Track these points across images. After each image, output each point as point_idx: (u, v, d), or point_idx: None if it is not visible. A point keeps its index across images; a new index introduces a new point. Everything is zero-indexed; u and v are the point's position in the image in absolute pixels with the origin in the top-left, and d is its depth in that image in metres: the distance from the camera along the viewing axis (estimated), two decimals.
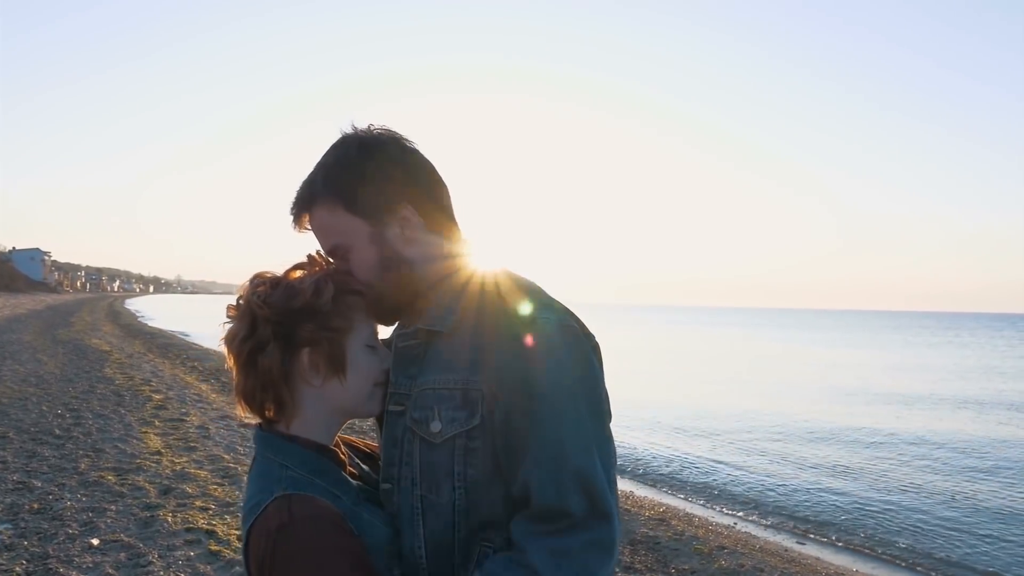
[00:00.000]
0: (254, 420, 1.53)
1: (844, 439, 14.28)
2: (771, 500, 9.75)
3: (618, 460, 1.50)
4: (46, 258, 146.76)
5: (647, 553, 6.38)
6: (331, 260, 1.54)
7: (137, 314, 57.72)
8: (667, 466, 11.36)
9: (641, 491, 9.58)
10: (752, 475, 11.10)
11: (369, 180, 1.47)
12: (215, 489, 6.87)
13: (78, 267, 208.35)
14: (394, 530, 1.46)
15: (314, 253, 1.55)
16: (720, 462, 11.87)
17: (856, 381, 25.67)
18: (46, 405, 11.24)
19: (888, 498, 10.05)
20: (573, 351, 1.42)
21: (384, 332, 1.61)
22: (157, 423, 10.07)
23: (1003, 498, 10.29)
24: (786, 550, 7.42)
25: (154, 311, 68.41)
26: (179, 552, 5.26)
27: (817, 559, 7.28)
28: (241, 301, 1.48)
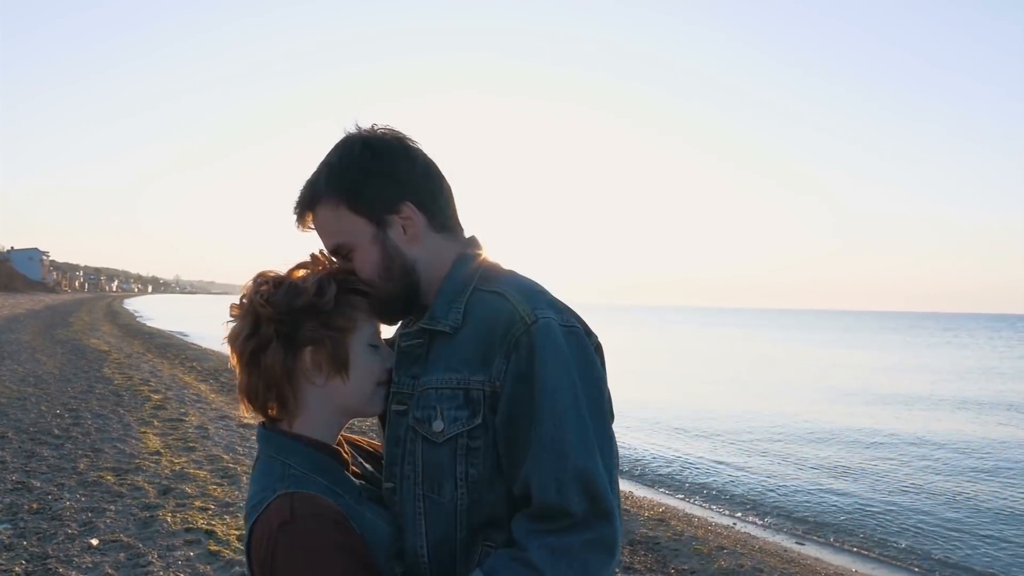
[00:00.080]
0: (257, 418, 1.53)
1: (843, 440, 14.29)
2: (770, 500, 9.75)
3: (618, 460, 1.50)
4: (44, 258, 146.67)
5: (646, 553, 6.39)
6: (334, 259, 1.55)
7: (136, 314, 57.69)
8: (666, 466, 11.36)
9: (640, 491, 9.58)
10: (752, 475, 11.10)
11: (372, 180, 1.48)
12: (214, 489, 6.87)
13: (76, 267, 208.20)
14: (396, 529, 1.46)
15: (317, 252, 1.55)
16: (719, 462, 11.87)
17: (855, 381, 25.68)
18: (45, 405, 11.23)
19: (888, 499, 10.06)
20: (576, 351, 1.42)
21: (387, 332, 1.61)
22: (156, 423, 10.06)
23: (1003, 499, 10.29)
24: (785, 550, 7.42)
25: (153, 311, 68.37)
26: (179, 552, 5.25)
27: (817, 559, 7.28)
28: (244, 300, 1.48)
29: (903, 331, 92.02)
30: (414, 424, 1.44)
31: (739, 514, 9.04)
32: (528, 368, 1.37)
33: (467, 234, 1.61)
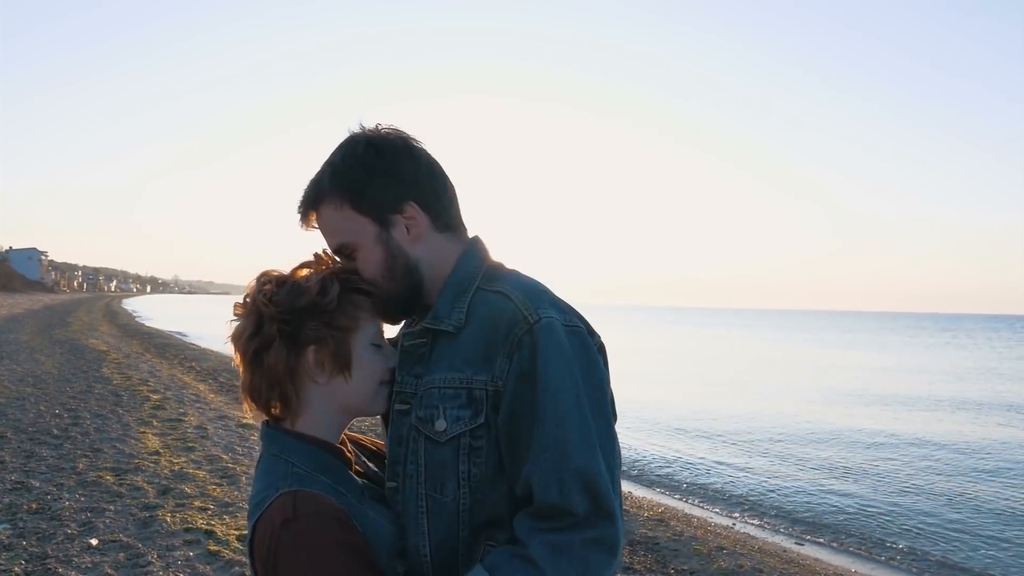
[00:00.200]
0: (260, 417, 1.54)
1: (843, 440, 14.29)
2: (770, 501, 9.76)
3: (621, 461, 1.50)
4: (43, 258, 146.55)
5: (646, 554, 6.38)
6: (337, 259, 1.55)
7: (134, 314, 57.65)
8: (666, 467, 11.37)
9: (640, 492, 9.58)
10: (751, 476, 11.10)
11: (376, 179, 1.48)
12: (214, 489, 6.86)
13: (75, 267, 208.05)
14: (399, 528, 1.46)
15: (321, 252, 1.56)
16: (719, 463, 11.87)
17: (854, 382, 25.69)
18: (44, 405, 11.22)
19: (887, 499, 10.06)
20: (579, 351, 1.42)
21: (391, 331, 1.62)
22: (155, 423, 10.05)
23: (1004, 499, 10.29)
24: (785, 551, 7.42)
25: (151, 311, 68.32)
26: (178, 552, 5.25)
27: (816, 560, 7.29)
28: (248, 299, 1.49)
29: (902, 331, 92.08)
30: (417, 423, 1.45)
31: (738, 514, 9.04)
32: (531, 367, 1.37)
33: (470, 234, 1.61)
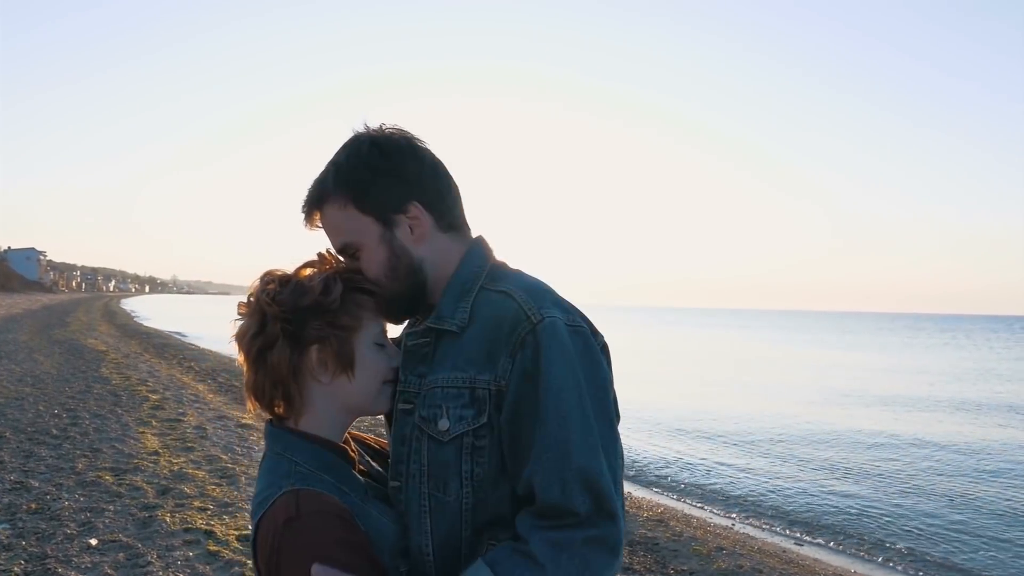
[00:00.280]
0: (263, 416, 1.54)
1: (843, 441, 14.30)
2: (769, 502, 9.76)
3: (624, 462, 1.50)
4: (42, 258, 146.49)
5: (645, 554, 6.39)
6: (341, 258, 1.55)
7: (133, 314, 57.60)
8: (665, 467, 11.37)
9: (639, 492, 9.58)
10: (751, 476, 11.11)
11: (380, 179, 1.48)
12: (213, 489, 6.86)
13: (73, 267, 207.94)
14: (402, 527, 1.46)
15: (324, 251, 1.56)
16: (718, 463, 11.88)
17: (854, 383, 25.69)
18: (43, 405, 11.21)
19: (887, 500, 10.06)
20: (581, 351, 1.42)
21: (395, 331, 1.62)
22: (154, 423, 10.05)
23: (1004, 501, 10.28)
24: (784, 551, 7.43)
25: (150, 311, 68.28)
26: (178, 552, 5.24)
27: (815, 560, 7.29)
28: (251, 298, 1.49)
29: (900, 332, 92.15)
30: (420, 423, 1.45)
31: (738, 515, 9.05)
32: (533, 367, 1.37)
33: (474, 234, 1.61)
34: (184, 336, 33.89)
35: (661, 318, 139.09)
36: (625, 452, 1.49)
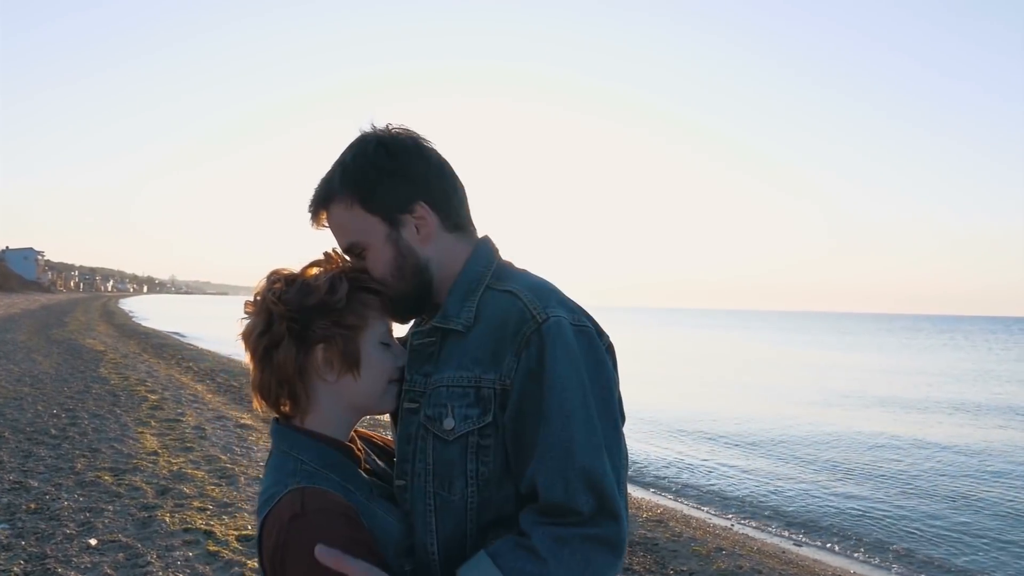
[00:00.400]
0: (269, 414, 1.55)
1: (842, 442, 14.30)
2: (769, 502, 9.76)
3: (628, 463, 1.50)
4: (40, 258, 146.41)
5: (645, 555, 6.38)
6: (347, 258, 1.56)
7: (131, 314, 57.55)
8: (665, 468, 11.37)
9: (638, 493, 9.57)
10: (750, 477, 11.11)
11: (386, 179, 1.48)
12: (213, 489, 6.85)
13: (72, 267, 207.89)
14: (407, 526, 1.47)
15: (331, 250, 1.57)
16: (718, 464, 11.88)
17: (853, 384, 25.70)
18: (41, 405, 11.20)
19: (887, 501, 10.06)
20: (586, 350, 1.42)
21: (401, 330, 1.62)
22: (153, 423, 10.04)
23: (1005, 502, 10.27)
24: (783, 552, 7.42)
25: (148, 311, 68.21)
26: (177, 552, 5.24)
27: (815, 561, 7.29)
28: (258, 297, 1.50)
29: (899, 333, 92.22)
30: (425, 422, 1.45)
31: (737, 515, 9.04)
32: (538, 366, 1.38)
33: (481, 234, 1.61)
34: (183, 336, 33.87)
35: (660, 318, 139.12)
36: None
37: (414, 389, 1.49)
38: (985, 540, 8.58)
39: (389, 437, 1.70)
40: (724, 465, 11.82)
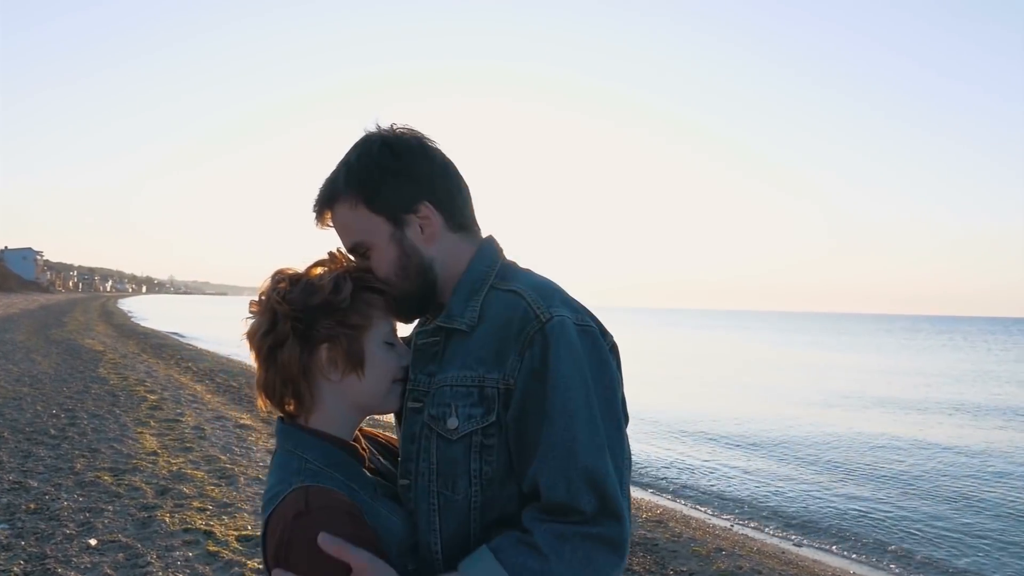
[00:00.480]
0: (274, 414, 1.55)
1: (842, 442, 14.30)
2: (768, 503, 9.76)
3: (631, 463, 1.51)
4: (39, 258, 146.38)
5: (645, 555, 6.39)
6: (352, 257, 1.56)
7: (130, 314, 57.52)
8: (664, 468, 11.37)
9: (638, 493, 9.57)
10: (750, 477, 11.11)
11: (391, 179, 1.49)
12: (212, 490, 6.85)
13: (70, 267, 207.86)
14: (411, 526, 1.47)
15: (335, 250, 1.57)
16: (717, 464, 11.88)
17: (852, 384, 25.71)
18: (41, 405, 11.19)
19: (886, 501, 10.07)
20: (590, 350, 1.42)
21: (406, 330, 1.62)
22: (152, 423, 10.03)
23: (1006, 503, 10.26)
24: (783, 552, 7.43)
25: (147, 311, 68.16)
26: (177, 553, 5.24)
27: (815, 562, 7.30)
28: (263, 297, 1.50)
29: (898, 334, 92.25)
30: (429, 421, 1.45)
31: (737, 516, 9.04)
32: (541, 365, 1.38)
33: (485, 233, 1.62)
34: (181, 336, 33.87)
35: (660, 319, 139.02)
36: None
37: (418, 388, 1.49)
38: (986, 541, 8.58)
39: (393, 435, 1.70)
40: (724, 466, 11.83)
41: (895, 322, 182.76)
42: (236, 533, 5.65)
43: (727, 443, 13.78)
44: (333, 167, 1.54)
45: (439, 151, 1.54)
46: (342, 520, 1.34)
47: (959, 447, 14.26)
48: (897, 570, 7.53)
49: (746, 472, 11.46)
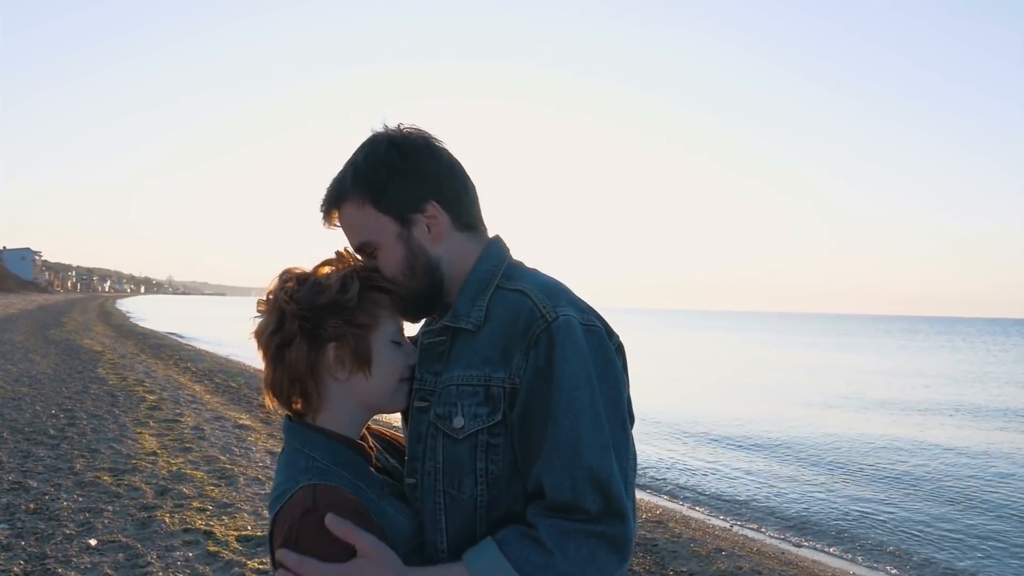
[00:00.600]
0: (282, 412, 1.56)
1: (842, 443, 14.30)
2: (768, 503, 9.76)
3: (636, 464, 1.51)
4: (37, 258, 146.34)
5: (645, 555, 6.38)
6: (359, 257, 1.56)
7: (128, 315, 57.48)
8: (664, 469, 11.37)
9: (638, 493, 9.51)
10: (749, 478, 11.12)
11: (398, 179, 1.49)
12: (212, 490, 6.84)
13: (69, 267, 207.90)
14: (417, 524, 1.47)
15: (342, 250, 1.57)
16: (717, 465, 11.88)
17: (851, 385, 25.71)
18: (40, 405, 11.18)
19: (886, 502, 10.07)
20: (595, 350, 1.43)
21: (412, 329, 1.62)
22: (152, 424, 10.02)
23: (1008, 504, 10.26)
24: (783, 553, 7.43)
25: (145, 312, 68.13)
26: (177, 553, 5.23)
27: (814, 562, 7.30)
28: (270, 296, 1.51)
29: (897, 335, 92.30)
30: (435, 420, 1.46)
31: (737, 516, 9.04)
32: (547, 365, 1.38)
33: (492, 233, 1.62)
34: (180, 337, 33.86)
35: (659, 319, 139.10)
36: None
37: (424, 388, 1.50)
38: (988, 542, 8.57)
39: (400, 433, 1.70)
40: (724, 466, 11.83)
41: (894, 323, 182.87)
42: (236, 533, 5.65)
43: (727, 444, 13.78)
44: (339, 167, 1.55)
45: (446, 151, 1.54)
46: (349, 518, 1.34)
47: (959, 448, 14.26)
48: (896, 571, 7.53)
49: (746, 473, 11.46)
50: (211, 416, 10.94)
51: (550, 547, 1.31)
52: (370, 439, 1.60)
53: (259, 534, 5.62)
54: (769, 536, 8.30)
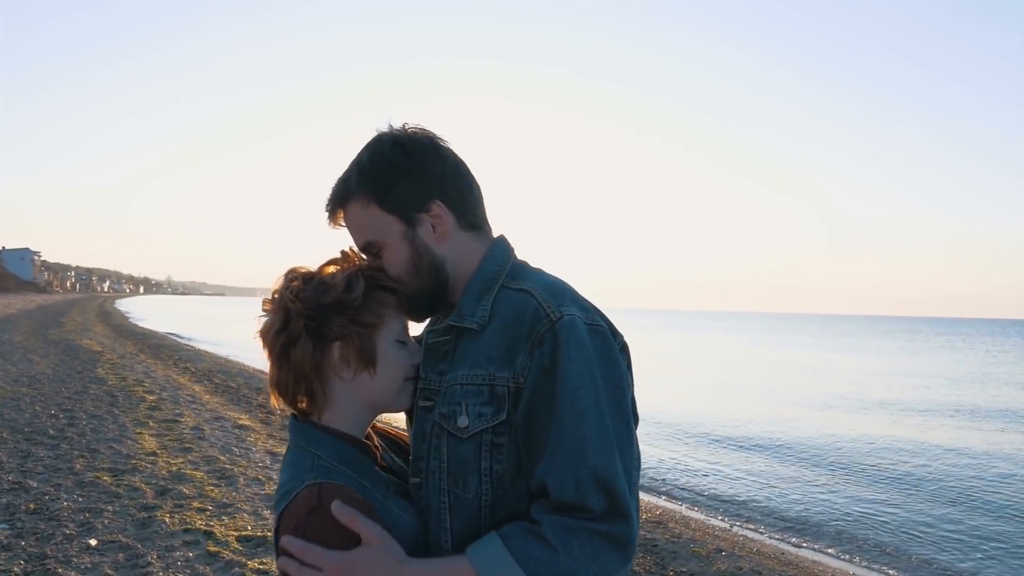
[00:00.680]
0: (287, 411, 1.56)
1: (841, 444, 14.31)
2: (768, 504, 9.77)
3: (640, 464, 1.51)
4: (36, 258, 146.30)
5: (645, 556, 6.38)
6: (364, 256, 1.57)
7: (127, 315, 57.46)
8: (665, 469, 11.37)
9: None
10: (749, 478, 11.12)
11: (403, 178, 1.49)
12: (212, 490, 6.84)
13: (68, 267, 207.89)
14: (422, 523, 1.48)
15: (348, 249, 1.58)
16: (716, 466, 11.89)
17: (851, 386, 25.72)
18: (39, 405, 11.17)
19: (887, 503, 10.08)
20: (600, 349, 1.43)
21: (416, 328, 1.62)
22: (151, 424, 10.02)
23: (1008, 505, 10.26)
24: (783, 553, 7.43)
25: (144, 312, 68.10)
26: (178, 553, 5.23)
27: (814, 563, 7.30)
28: (275, 295, 1.51)
29: (896, 336, 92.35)
30: (440, 420, 1.46)
31: (737, 517, 9.05)
32: (551, 364, 1.38)
33: (496, 232, 1.62)
34: (179, 337, 33.85)
35: (658, 320, 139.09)
36: None
37: (429, 387, 1.50)
38: (989, 543, 8.58)
39: (405, 432, 1.70)
40: (724, 467, 11.84)
41: (893, 324, 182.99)
42: (236, 533, 5.64)
43: (727, 444, 13.78)
44: (339, 167, 1.56)
45: (451, 150, 1.55)
46: None
47: (960, 448, 14.27)
48: (896, 572, 7.54)
49: (746, 473, 11.46)
50: (211, 416, 10.93)
51: (554, 544, 1.31)
52: (375, 438, 1.60)
53: (259, 534, 5.62)
54: (769, 536, 8.30)
